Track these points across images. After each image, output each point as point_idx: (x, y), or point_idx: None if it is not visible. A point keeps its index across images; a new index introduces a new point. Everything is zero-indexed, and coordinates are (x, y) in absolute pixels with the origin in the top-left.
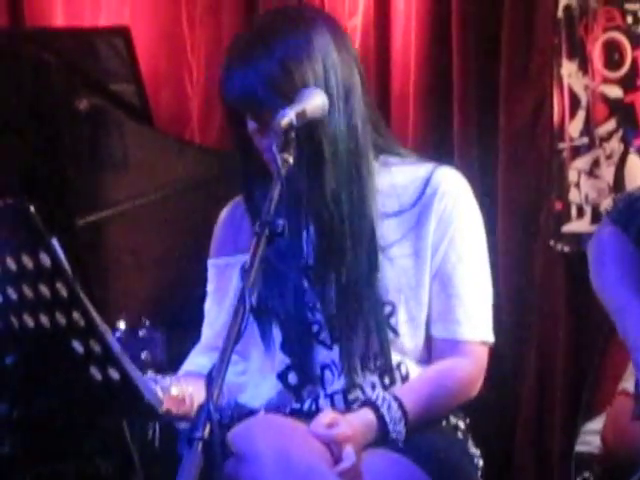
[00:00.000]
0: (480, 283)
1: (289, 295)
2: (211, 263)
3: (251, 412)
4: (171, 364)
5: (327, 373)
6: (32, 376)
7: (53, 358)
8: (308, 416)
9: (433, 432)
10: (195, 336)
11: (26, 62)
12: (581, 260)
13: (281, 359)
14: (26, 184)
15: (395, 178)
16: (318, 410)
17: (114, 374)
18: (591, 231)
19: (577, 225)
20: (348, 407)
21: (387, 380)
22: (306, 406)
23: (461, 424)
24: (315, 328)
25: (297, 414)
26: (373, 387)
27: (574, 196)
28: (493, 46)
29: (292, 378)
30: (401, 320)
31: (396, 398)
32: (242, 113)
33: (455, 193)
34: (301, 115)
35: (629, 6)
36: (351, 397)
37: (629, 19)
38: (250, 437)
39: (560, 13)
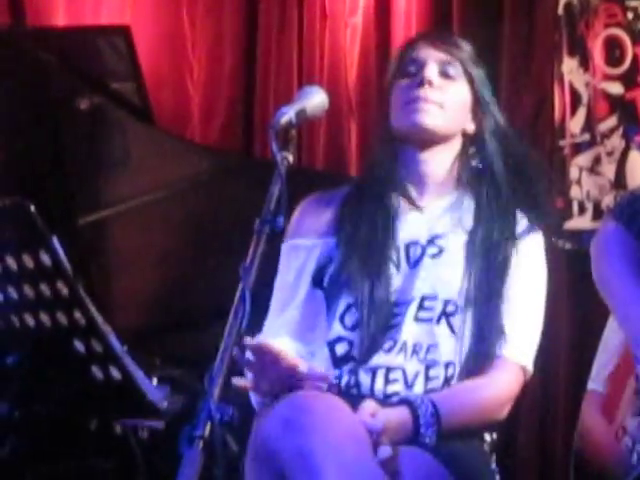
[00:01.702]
0: (536, 316)
1: (377, 275)
2: (285, 246)
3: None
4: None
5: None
6: (33, 376)
7: (54, 358)
8: (345, 392)
9: (462, 440)
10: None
11: (27, 61)
12: (583, 257)
13: (337, 329)
14: (27, 183)
15: None
16: (358, 384)
17: (115, 373)
18: (593, 228)
19: (579, 222)
20: (387, 384)
21: (432, 374)
22: (344, 382)
23: (488, 438)
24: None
25: (331, 386)
26: (416, 375)
27: (575, 193)
28: (494, 43)
29: (340, 348)
30: (465, 324)
31: (433, 403)
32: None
33: (536, 246)
34: (301, 113)
35: (630, 2)
36: (392, 377)
37: (630, 15)
38: (304, 409)
39: (561, 10)
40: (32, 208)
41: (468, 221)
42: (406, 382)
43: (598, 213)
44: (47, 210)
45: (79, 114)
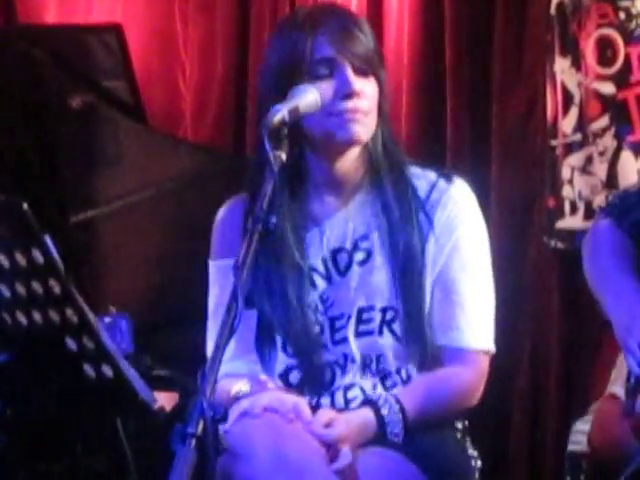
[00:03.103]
0: (483, 292)
1: (293, 298)
2: (215, 265)
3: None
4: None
5: (327, 371)
6: (25, 374)
7: (46, 355)
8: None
9: (432, 432)
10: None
11: (18, 59)
12: (575, 256)
13: (282, 360)
14: (19, 182)
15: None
16: (318, 406)
17: (108, 371)
18: (584, 227)
19: (570, 221)
20: (347, 404)
21: (388, 383)
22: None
23: (459, 425)
24: (316, 329)
25: None
26: (374, 387)
27: (567, 192)
28: (486, 43)
29: (293, 378)
30: (403, 325)
31: (397, 400)
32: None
33: (460, 200)
34: (294, 111)
35: (622, 2)
36: (351, 395)
37: (622, 15)
38: (246, 435)
39: (553, 10)
40: (24, 206)
41: (381, 220)
42: (366, 398)
43: (590, 213)
44: (39, 208)
45: (70, 112)
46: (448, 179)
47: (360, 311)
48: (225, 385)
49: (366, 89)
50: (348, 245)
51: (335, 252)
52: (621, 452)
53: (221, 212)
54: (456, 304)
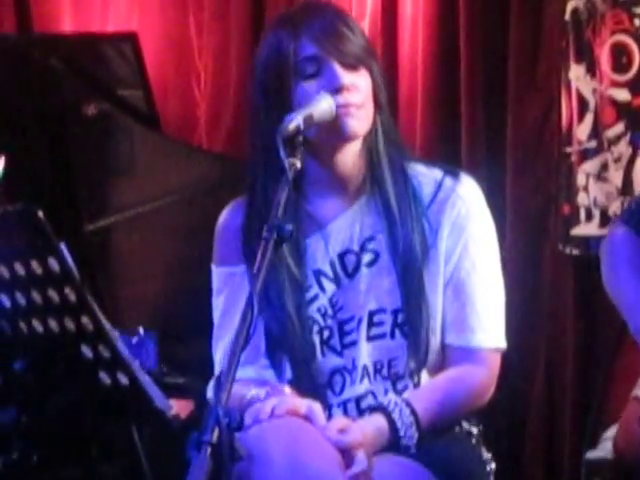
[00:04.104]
0: (493, 290)
1: (292, 312)
2: (218, 271)
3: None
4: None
5: (336, 377)
6: (41, 381)
7: (62, 363)
8: None
9: (446, 438)
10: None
11: (34, 67)
12: (590, 263)
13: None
14: (35, 189)
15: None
16: (330, 417)
17: (123, 379)
18: (600, 234)
19: (586, 228)
20: (361, 415)
21: (400, 386)
22: None
23: (474, 430)
24: (326, 334)
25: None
26: (385, 392)
27: (582, 199)
28: (501, 50)
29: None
30: (407, 327)
31: (408, 403)
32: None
33: (468, 199)
34: (308, 119)
35: (637, 9)
36: (364, 405)
37: (637, 22)
38: (262, 440)
39: (567, 16)
40: (40, 214)
41: (384, 221)
42: (376, 402)
43: (605, 220)
44: (55, 216)
45: (86, 120)
46: (455, 177)
47: (371, 314)
48: (237, 390)
49: (357, 82)
50: (355, 247)
51: (342, 255)
52: None
53: (221, 218)
54: (467, 303)
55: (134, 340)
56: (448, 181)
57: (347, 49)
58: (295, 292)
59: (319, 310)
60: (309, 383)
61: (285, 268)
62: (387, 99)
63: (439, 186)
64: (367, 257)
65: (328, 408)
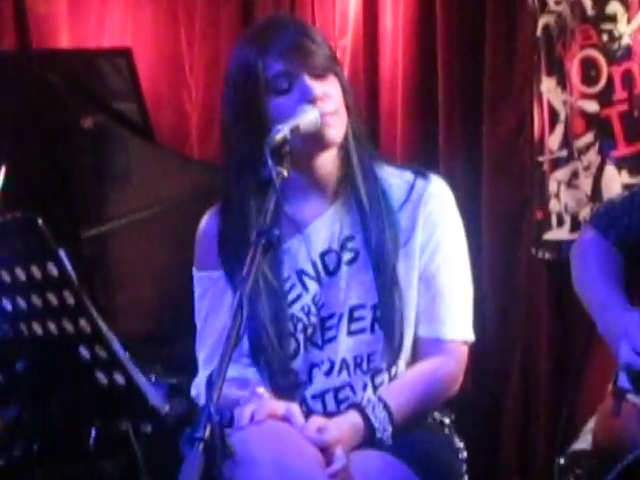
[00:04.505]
0: (462, 284)
1: (266, 320)
2: (200, 275)
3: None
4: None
5: (315, 370)
6: (41, 381)
7: (61, 364)
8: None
9: (420, 430)
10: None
11: (33, 82)
12: (562, 266)
13: None
14: (34, 198)
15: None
16: (309, 411)
17: (119, 379)
18: (571, 239)
19: (557, 233)
20: (339, 406)
21: (378, 381)
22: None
23: (447, 420)
24: (309, 331)
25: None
26: (364, 387)
27: (554, 206)
28: (477, 64)
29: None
30: (382, 320)
31: (381, 399)
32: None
33: (440, 197)
34: (295, 130)
35: (604, 25)
36: (341, 396)
37: (604, 37)
38: (247, 443)
39: (539, 32)
40: (40, 221)
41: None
42: (356, 396)
43: (576, 225)
44: (54, 223)
45: (83, 132)
46: (425, 177)
47: (352, 310)
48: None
49: (328, 90)
50: (336, 246)
51: (324, 254)
52: (624, 444)
53: (200, 224)
54: (437, 296)
55: None
56: (420, 182)
57: (314, 61)
58: (272, 299)
59: (302, 309)
60: (285, 381)
61: (262, 277)
62: (353, 102)
63: (412, 187)
64: (347, 255)
65: (306, 400)
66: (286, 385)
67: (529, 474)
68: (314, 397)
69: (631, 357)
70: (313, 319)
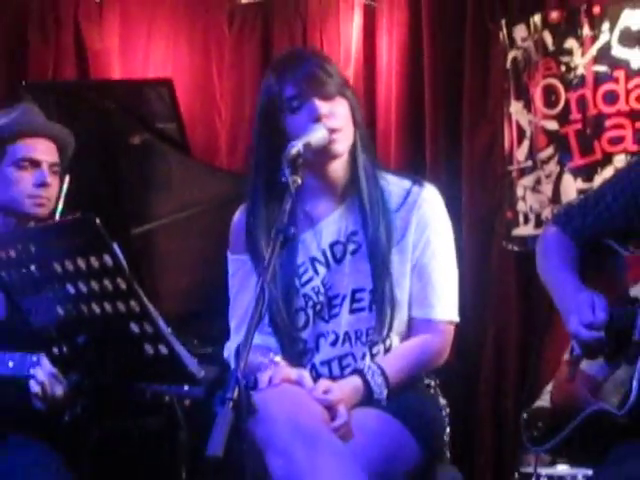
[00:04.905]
0: (449, 274)
1: (285, 285)
2: (233, 258)
3: None
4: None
5: (322, 340)
6: (99, 352)
7: (115, 338)
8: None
9: (411, 391)
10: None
11: (91, 107)
12: (528, 257)
13: None
14: (92, 202)
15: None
16: (318, 375)
17: (163, 350)
18: (535, 234)
19: (524, 230)
20: (342, 371)
21: (375, 350)
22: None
23: (432, 383)
24: (318, 307)
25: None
26: (363, 356)
27: (521, 207)
28: (457, 91)
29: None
30: (376, 301)
31: (379, 367)
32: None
33: (431, 202)
34: (307, 145)
35: (563, 58)
36: (345, 363)
37: (562, 68)
38: (265, 402)
39: (509, 64)
40: (97, 221)
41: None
42: (357, 363)
43: (539, 222)
44: (108, 223)
45: (132, 148)
46: (420, 185)
47: (354, 292)
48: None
49: (335, 109)
50: (342, 239)
51: (332, 245)
52: (576, 405)
53: (234, 217)
54: (428, 284)
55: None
56: (415, 188)
57: (324, 87)
58: (286, 280)
59: (313, 289)
60: (295, 348)
61: (278, 263)
62: (362, 118)
63: (408, 192)
64: (351, 247)
65: (315, 366)
66: (296, 351)
67: (501, 426)
68: (322, 364)
69: (577, 328)
70: (321, 298)
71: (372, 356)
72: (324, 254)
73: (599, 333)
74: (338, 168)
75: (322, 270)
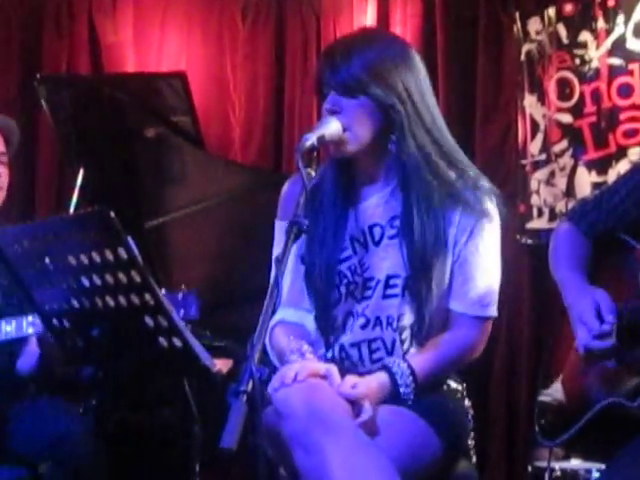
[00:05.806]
0: (490, 270)
1: (326, 259)
2: (280, 224)
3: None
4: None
5: (350, 319)
6: (113, 345)
7: (129, 331)
8: (336, 362)
9: (437, 394)
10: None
11: (105, 100)
12: (540, 250)
13: None
14: (108, 195)
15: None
16: (347, 356)
17: (177, 343)
18: (549, 227)
19: (537, 223)
20: (371, 354)
21: (404, 335)
22: (336, 354)
23: (459, 387)
24: (352, 287)
25: (328, 361)
26: (393, 342)
27: (535, 200)
28: (471, 84)
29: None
30: (414, 290)
31: (409, 365)
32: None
33: (478, 197)
34: (321, 138)
35: (577, 51)
36: (374, 347)
37: (577, 61)
38: (289, 398)
39: (523, 57)
40: (112, 214)
41: (408, 208)
42: (386, 349)
43: (553, 216)
44: (122, 216)
45: (146, 141)
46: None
47: (388, 277)
48: (280, 337)
49: (349, 107)
50: (383, 222)
51: (372, 226)
52: (589, 398)
53: (284, 187)
54: (469, 278)
55: (179, 296)
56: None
57: (339, 80)
58: (325, 256)
59: (349, 268)
60: (326, 323)
61: (321, 236)
62: (407, 113)
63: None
64: (390, 232)
65: (345, 348)
66: (327, 326)
67: (513, 420)
68: (352, 345)
69: (588, 342)
70: (357, 278)
71: (402, 342)
72: (364, 235)
73: (611, 340)
74: (363, 163)
75: (360, 250)
